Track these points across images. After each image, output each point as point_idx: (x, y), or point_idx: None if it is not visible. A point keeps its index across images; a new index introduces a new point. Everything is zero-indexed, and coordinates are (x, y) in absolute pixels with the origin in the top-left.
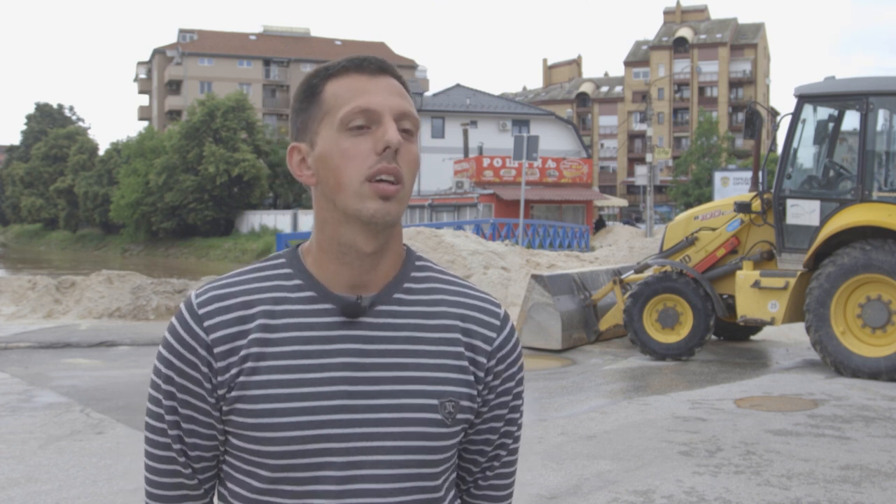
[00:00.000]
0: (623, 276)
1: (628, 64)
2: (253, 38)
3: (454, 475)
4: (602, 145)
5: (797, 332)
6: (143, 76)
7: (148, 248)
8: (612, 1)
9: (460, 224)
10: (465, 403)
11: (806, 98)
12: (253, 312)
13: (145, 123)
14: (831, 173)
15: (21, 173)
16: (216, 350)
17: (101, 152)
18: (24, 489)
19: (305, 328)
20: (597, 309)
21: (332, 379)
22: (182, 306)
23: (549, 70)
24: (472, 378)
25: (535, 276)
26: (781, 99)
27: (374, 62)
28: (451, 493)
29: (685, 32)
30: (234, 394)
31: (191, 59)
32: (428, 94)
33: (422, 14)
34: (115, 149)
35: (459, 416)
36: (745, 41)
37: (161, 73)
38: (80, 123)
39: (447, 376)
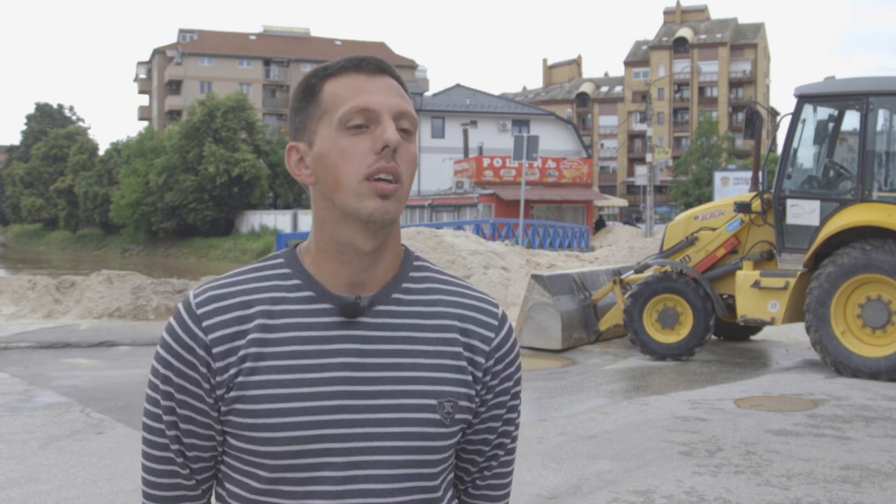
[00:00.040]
0: (623, 276)
1: (628, 64)
2: (253, 38)
3: (452, 475)
4: (602, 145)
5: (797, 332)
6: (143, 76)
7: (148, 248)
8: (612, 1)
9: (460, 224)
10: (464, 403)
11: (806, 98)
12: (251, 312)
13: (145, 123)
14: (831, 173)
15: (21, 173)
16: (215, 350)
17: (101, 152)
18: (24, 489)
19: (304, 328)
20: (597, 309)
21: (331, 379)
22: (180, 306)
23: (549, 70)
24: (470, 378)
25: (535, 276)
26: (781, 99)
27: (372, 62)
28: (449, 493)
29: (685, 32)
30: (232, 394)
31: (191, 59)
32: (428, 94)
33: (422, 14)
34: (115, 149)
35: (458, 416)
36: (745, 41)
37: (161, 73)
38: (80, 123)
39: (446, 376)
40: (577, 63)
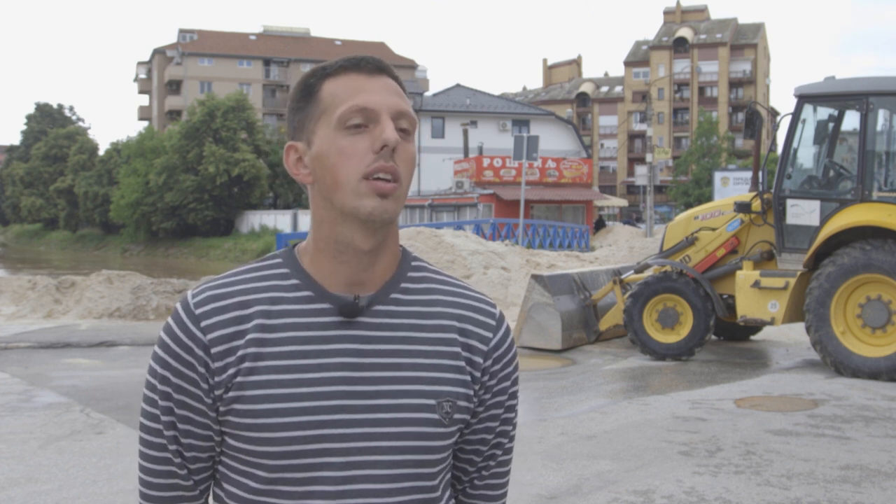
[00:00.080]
0: (623, 276)
1: (628, 64)
2: (253, 38)
3: (449, 475)
4: (602, 145)
5: (797, 332)
6: (143, 76)
7: (148, 248)
8: (612, 1)
9: (460, 224)
10: (462, 403)
11: (806, 98)
12: (250, 312)
13: (145, 123)
14: (831, 173)
15: (21, 173)
16: (213, 350)
17: (101, 152)
18: (24, 489)
19: (303, 328)
20: (597, 309)
21: (330, 379)
22: (178, 306)
23: (549, 70)
24: (468, 378)
25: (535, 276)
26: (781, 99)
27: (371, 62)
28: (447, 493)
29: (685, 32)
30: (231, 394)
31: (191, 59)
32: (428, 94)
33: (422, 14)
34: (115, 149)
35: (456, 416)
36: (745, 41)
37: (161, 73)
38: (80, 123)
39: (444, 376)
40: (577, 63)
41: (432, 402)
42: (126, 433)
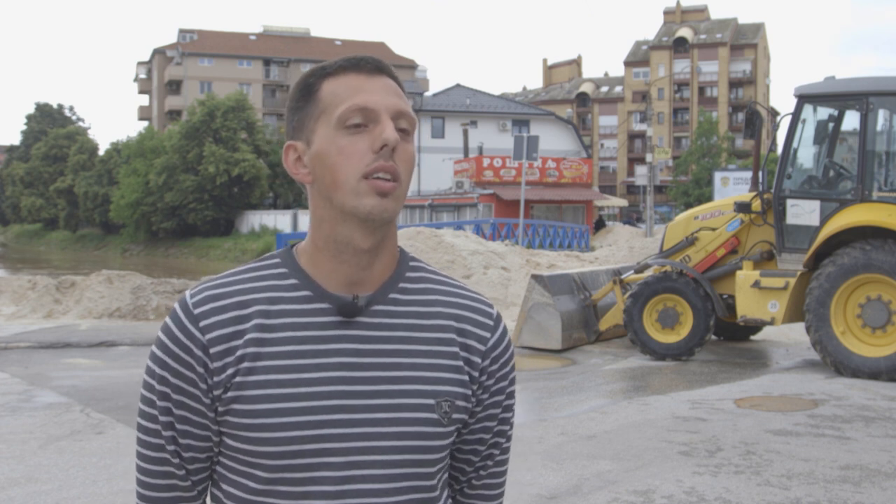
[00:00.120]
0: (623, 276)
1: (628, 64)
2: (253, 38)
3: (447, 475)
4: (602, 145)
5: (797, 332)
6: (143, 76)
7: (148, 248)
8: (612, 1)
9: (460, 224)
10: (461, 403)
11: (806, 98)
12: (249, 312)
13: (145, 123)
14: (831, 173)
15: (21, 173)
16: (212, 350)
17: (101, 152)
18: (24, 489)
19: (301, 328)
20: (597, 309)
21: (329, 379)
22: (176, 306)
23: (549, 70)
24: (466, 378)
25: (535, 276)
26: (781, 99)
27: (371, 62)
28: (445, 493)
29: (685, 32)
30: (230, 394)
31: (191, 59)
32: (428, 94)
33: (422, 14)
34: (115, 149)
35: (455, 415)
36: (745, 41)
37: (161, 73)
38: (80, 123)
39: (443, 376)
40: (577, 63)
41: (431, 401)
42: (126, 433)
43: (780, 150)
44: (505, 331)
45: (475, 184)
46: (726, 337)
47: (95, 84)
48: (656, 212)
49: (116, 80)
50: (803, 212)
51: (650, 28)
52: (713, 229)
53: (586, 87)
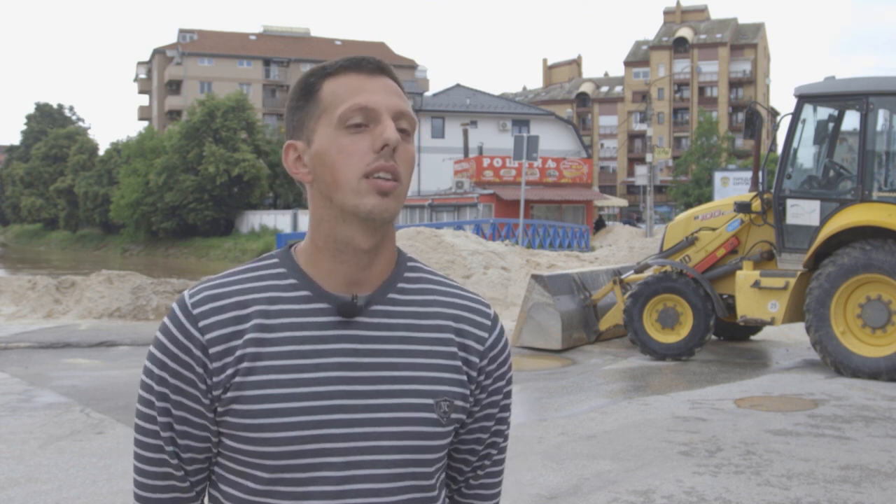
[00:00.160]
0: (623, 276)
1: (628, 64)
2: (253, 38)
3: (444, 475)
4: (602, 145)
5: (797, 332)
6: (143, 76)
7: (148, 248)
8: (612, 1)
9: (460, 224)
10: (459, 403)
11: (806, 98)
12: (248, 312)
13: (145, 123)
14: (831, 173)
15: (21, 173)
16: (211, 350)
17: (101, 152)
18: (24, 489)
19: (301, 328)
20: (597, 309)
21: (328, 379)
22: (175, 306)
23: (549, 70)
24: (465, 378)
25: (535, 276)
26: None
27: (371, 62)
28: (443, 493)
29: (685, 32)
30: (229, 394)
31: (191, 59)
32: (428, 94)
33: (422, 14)
34: (115, 149)
35: (453, 415)
36: (745, 41)
37: (161, 73)
38: (80, 123)
39: (442, 376)
40: (577, 63)
41: (430, 401)
42: (126, 433)
43: (780, 150)
44: (502, 331)
45: (475, 184)
46: (726, 337)
47: (95, 84)
48: (656, 212)
49: (116, 80)
50: (803, 212)
51: (650, 28)
52: (713, 229)
53: (586, 87)
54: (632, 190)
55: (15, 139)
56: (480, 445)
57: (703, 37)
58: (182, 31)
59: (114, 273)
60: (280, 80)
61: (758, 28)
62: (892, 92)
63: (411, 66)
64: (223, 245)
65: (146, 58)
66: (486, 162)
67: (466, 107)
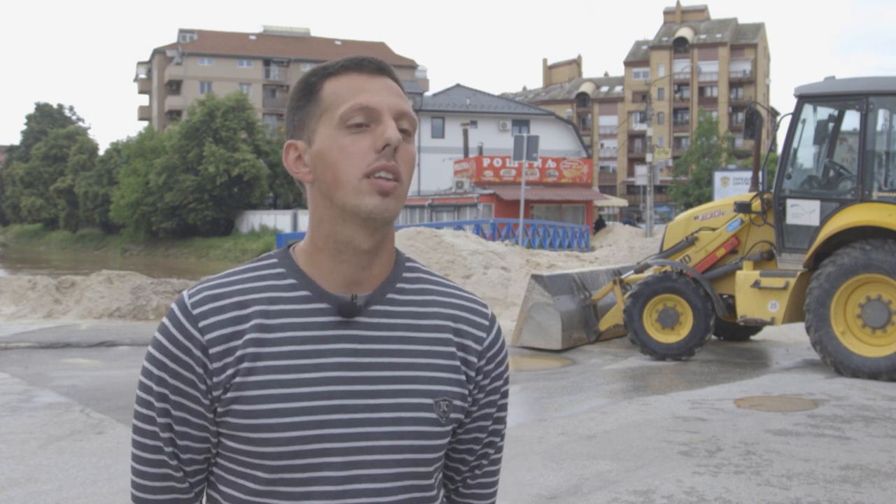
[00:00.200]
0: (623, 276)
1: (628, 64)
2: (253, 38)
3: (441, 474)
4: (602, 145)
5: (797, 332)
6: (143, 76)
7: (148, 248)
8: (612, 1)
9: (460, 224)
10: (458, 403)
11: (806, 98)
12: (248, 312)
13: (145, 123)
14: (831, 173)
15: (21, 173)
16: (212, 351)
17: (101, 152)
18: (24, 489)
19: (301, 328)
20: (597, 309)
21: (328, 379)
22: (174, 306)
23: (549, 70)
24: (463, 378)
25: (535, 276)
26: (781, 99)
27: (372, 62)
28: (441, 493)
29: (685, 32)
30: (230, 395)
31: (191, 59)
32: (428, 94)
33: (422, 14)
34: (115, 149)
35: (452, 415)
36: (745, 41)
37: (161, 73)
38: (80, 123)
39: (441, 376)
40: (577, 63)
41: (430, 401)
42: (126, 433)
43: (780, 150)
44: (499, 331)
45: (475, 184)
46: (726, 337)
47: (95, 84)
48: (656, 212)
49: (116, 80)
50: (803, 212)
51: (650, 28)
52: (713, 229)
53: (586, 87)
54: (632, 190)
55: (15, 139)
56: (478, 445)
57: (703, 37)
58: (182, 31)
59: (114, 273)
60: (280, 80)
61: (758, 28)
62: (892, 92)
63: (411, 66)
64: (223, 245)
65: (146, 58)
66: (486, 162)
67: (466, 107)
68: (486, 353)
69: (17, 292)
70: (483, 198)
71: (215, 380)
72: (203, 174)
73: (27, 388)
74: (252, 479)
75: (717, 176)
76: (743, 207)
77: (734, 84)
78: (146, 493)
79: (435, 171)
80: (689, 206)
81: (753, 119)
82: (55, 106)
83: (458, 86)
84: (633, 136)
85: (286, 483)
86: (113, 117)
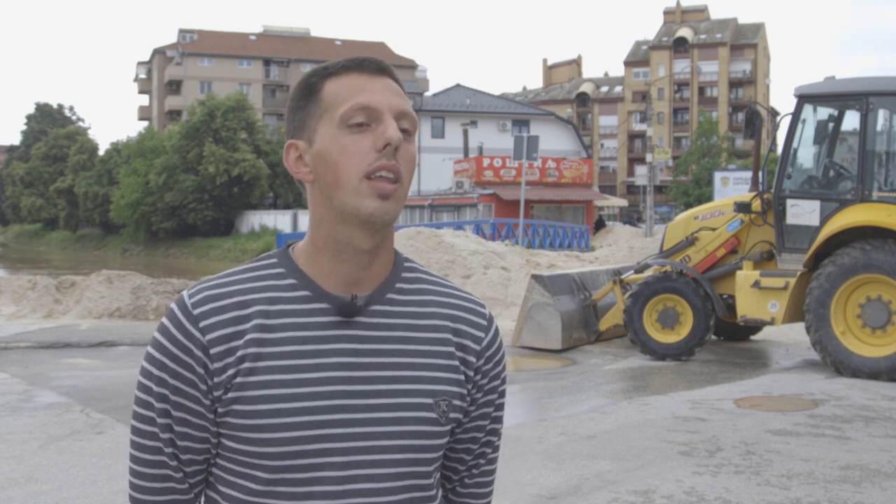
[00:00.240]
0: (623, 276)
1: (628, 64)
2: (253, 38)
3: (439, 474)
4: (602, 145)
5: (797, 332)
6: (143, 76)
7: (148, 248)
8: (612, 1)
9: (460, 224)
10: (457, 402)
11: (806, 98)
12: (248, 312)
13: (145, 123)
14: (831, 173)
15: (21, 173)
16: (212, 351)
17: (101, 152)
18: (24, 489)
19: (302, 328)
20: (597, 309)
21: (329, 379)
22: (174, 307)
23: (549, 70)
24: (462, 377)
25: (535, 276)
26: (781, 99)
27: (373, 62)
28: (439, 492)
29: (685, 32)
30: (230, 395)
31: (191, 59)
32: (428, 94)
33: (422, 14)
34: (115, 149)
35: (452, 415)
36: (745, 41)
37: (161, 73)
38: (80, 123)
39: (440, 375)
40: (577, 63)
41: (430, 401)
42: (126, 433)
43: (780, 150)
44: (497, 331)
45: (475, 184)
46: (726, 337)
47: (95, 84)
48: (656, 212)
49: (116, 80)
50: (803, 212)
51: (650, 28)
52: (713, 229)
53: (586, 87)
54: (632, 190)
55: (15, 139)
56: (476, 444)
57: (703, 37)
58: (182, 31)
59: (114, 273)
60: (280, 80)
61: (758, 28)
62: (892, 92)
63: (411, 66)
64: (223, 245)
65: (146, 58)
66: (486, 162)
67: (466, 107)
68: (485, 352)
69: (17, 292)
70: (483, 198)
71: (216, 380)
72: (203, 174)
73: (27, 388)
74: (252, 479)
75: (717, 176)
76: (743, 207)
77: (734, 84)
78: (145, 493)
79: (435, 171)
80: (689, 206)
81: (753, 119)
82: (55, 106)
83: (458, 86)
84: (633, 136)
85: (287, 483)
86: (113, 117)
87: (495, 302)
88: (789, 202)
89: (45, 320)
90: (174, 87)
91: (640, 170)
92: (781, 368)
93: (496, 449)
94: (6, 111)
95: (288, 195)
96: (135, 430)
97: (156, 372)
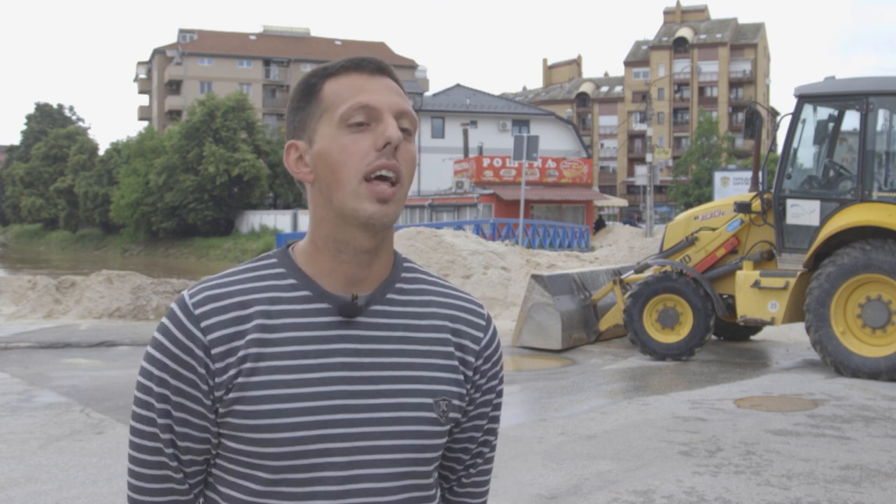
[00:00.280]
0: (623, 276)
1: (628, 64)
2: (253, 38)
3: (437, 473)
4: (602, 145)
5: (797, 332)
6: (143, 76)
7: (148, 248)
8: (612, 1)
9: (460, 224)
10: (457, 402)
11: (806, 98)
12: (250, 312)
13: (145, 123)
14: (831, 173)
15: (21, 173)
16: (214, 351)
17: (101, 152)
18: (24, 489)
19: (303, 328)
20: (597, 309)
21: (330, 379)
22: (175, 307)
23: (549, 70)
24: (461, 377)
25: (535, 276)
26: (781, 99)
27: (372, 62)
28: (438, 492)
29: (685, 32)
30: (232, 395)
31: (191, 59)
32: (428, 94)
33: (422, 14)
34: (115, 149)
35: (451, 414)
36: (745, 41)
37: (161, 73)
38: (80, 123)
39: (440, 375)
40: (577, 63)
41: (430, 400)
42: (126, 433)
43: (780, 150)
44: (495, 331)
45: (475, 184)
46: (726, 337)
47: (95, 84)
48: (656, 212)
49: (116, 80)
50: (803, 212)
51: (650, 28)
52: (713, 229)
53: (586, 87)
54: (632, 190)
55: (15, 139)
56: (473, 444)
57: (703, 37)
58: (182, 31)
59: (114, 273)
60: (280, 80)
61: (758, 28)
62: (892, 92)
63: (411, 66)
64: (223, 245)
65: (146, 58)
66: (486, 162)
67: (466, 107)
68: (484, 352)
69: (17, 292)
70: (483, 198)
71: (217, 380)
72: (203, 174)
73: (27, 388)
74: (253, 479)
75: (717, 176)
76: (743, 207)
77: (734, 84)
78: (145, 494)
79: (435, 171)
80: (689, 206)
81: (753, 119)
82: (55, 106)
83: (458, 86)
84: (633, 136)
85: (288, 483)
86: (113, 117)
87: (495, 302)
88: (789, 202)
89: (45, 320)
90: (174, 87)
91: (640, 170)
92: (781, 368)
93: (493, 449)
94: (6, 111)
95: (288, 195)
96: (134, 431)
97: (156, 372)
